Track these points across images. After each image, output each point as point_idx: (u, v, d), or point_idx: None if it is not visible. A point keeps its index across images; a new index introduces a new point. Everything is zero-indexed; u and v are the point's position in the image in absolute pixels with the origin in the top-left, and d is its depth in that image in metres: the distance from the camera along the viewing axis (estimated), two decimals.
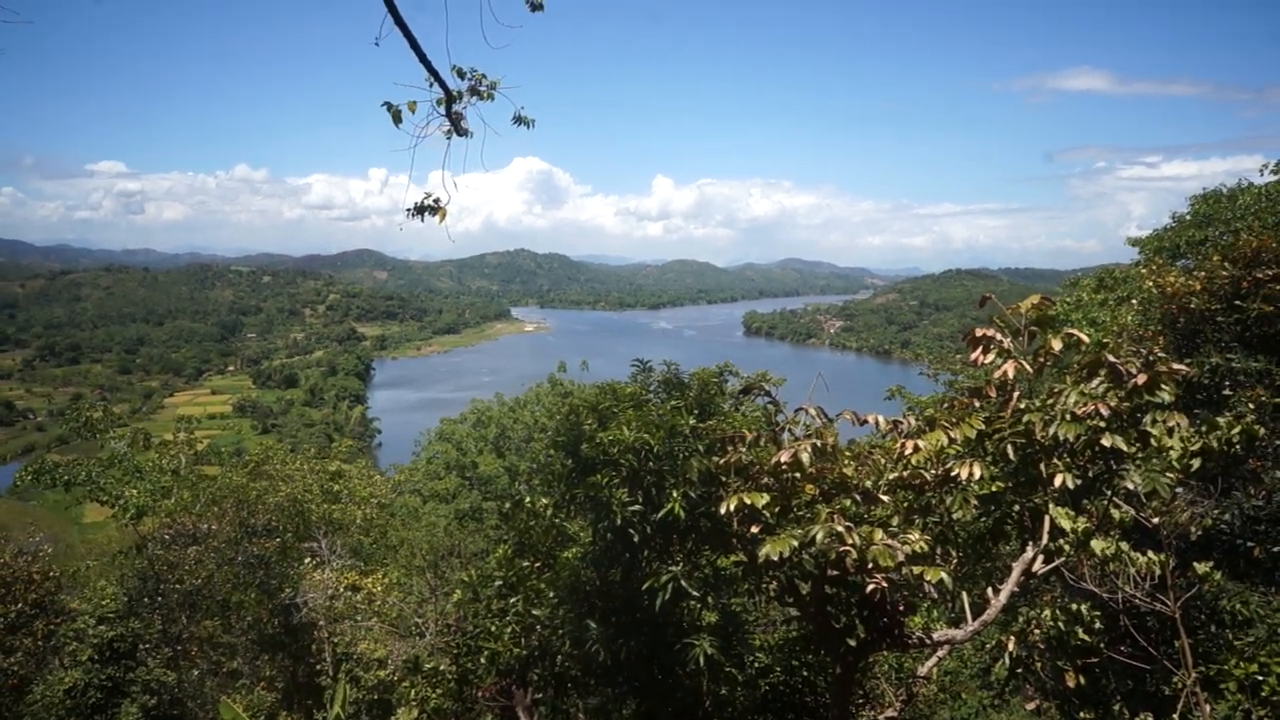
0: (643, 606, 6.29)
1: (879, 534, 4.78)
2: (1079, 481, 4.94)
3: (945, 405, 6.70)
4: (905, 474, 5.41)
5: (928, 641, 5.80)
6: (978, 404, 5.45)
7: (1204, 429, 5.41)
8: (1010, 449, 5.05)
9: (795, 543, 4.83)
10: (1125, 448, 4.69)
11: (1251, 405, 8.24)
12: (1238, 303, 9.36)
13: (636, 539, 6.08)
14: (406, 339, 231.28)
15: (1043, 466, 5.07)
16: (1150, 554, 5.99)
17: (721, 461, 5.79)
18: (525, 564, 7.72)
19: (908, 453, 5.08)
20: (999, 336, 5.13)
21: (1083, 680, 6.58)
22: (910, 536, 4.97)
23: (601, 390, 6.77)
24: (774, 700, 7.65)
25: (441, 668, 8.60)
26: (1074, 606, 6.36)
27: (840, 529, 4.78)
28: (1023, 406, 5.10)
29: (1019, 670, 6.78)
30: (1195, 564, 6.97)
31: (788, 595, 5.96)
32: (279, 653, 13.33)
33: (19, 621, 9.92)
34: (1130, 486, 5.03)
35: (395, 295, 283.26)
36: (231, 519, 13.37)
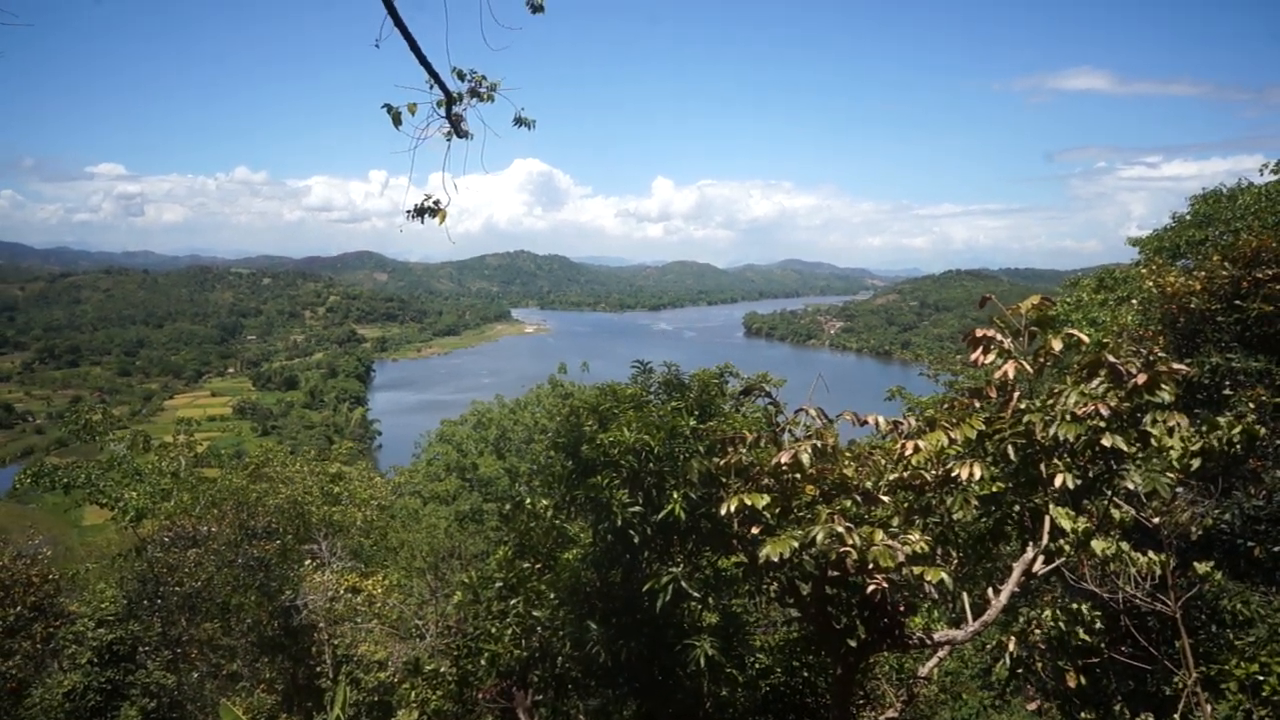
0: (643, 608, 6.29)
1: (879, 535, 4.78)
2: (1079, 482, 4.94)
3: (945, 406, 6.71)
4: (905, 475, 5.41)
5: (928, 642, 5.80)
6: (978, 404, 5.45)
7: (1204, 429, 5.41)
8: (1010, 449, 5.05)
9: (796, 544, 4.83)
10: (1125, 448, 4.69)
11: (1252, 405, 8.24)
12: (1238, 302, 9.36)
13: (637, 540, 6.08)
14: (407, 341, 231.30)
15: (1043, 467, 5.07)
16: (1151, 554, 5.99)
17: (722, 463, 5.79)
18: (526, 565, 7.72)
19: (908, 453, 5.08)
20: (999, 337, 5.13)
21: (1083, 680, 6.58)
22: (911, 537, 4.97)
23: (602, 391, 6.77)
24: (775, 701, 7.64)
25: (442, 669, 8.60)
26: (1074, 607, 6.36)
27: (841, 530, 4.78)
28: (1023, 407, 5.10)
29: (1020, 670, 6.78)
30: (1196, 564, 6.97)
31: (788, 596, 5.96)
32: (279, 655, 13.31)
33: (18, 624, 9.90)
34: (1130, 486, 5.03)
35: (395, 297, 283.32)
36: (231, 521, 13.36)
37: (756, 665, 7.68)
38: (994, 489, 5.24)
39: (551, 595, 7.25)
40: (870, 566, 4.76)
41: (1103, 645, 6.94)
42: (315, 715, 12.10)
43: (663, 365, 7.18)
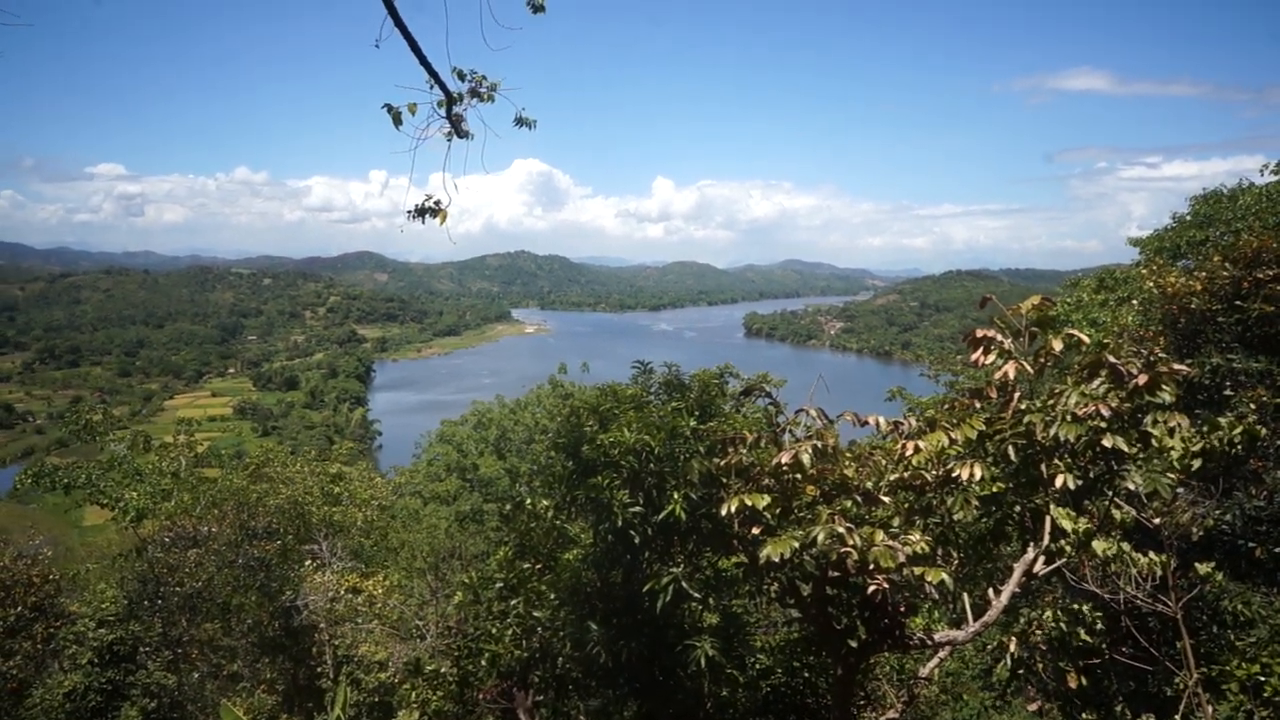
0: (644, 608, 6.29)
1: (880, 535, 4.78)
2: (1080, 482, 4.94)
3: (946, 406, 6.70)
4: (906, 475, 5.41)
5: (929, 643, 5.79)
6: (978, 405, 5.44)
7: (1205, 429, 5.41)
8: (1011, 450, 5.05)
9: (796, 544, 4.83)
10: (1126, 448, 4.69)
11: (1253, 405, 8.23)
12: (1238, 303, 9.35)
13: (637, 541, 6.07)
14: (407, 341, 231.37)
15: (1044, 467, 5.07)
16: (1152, 555, 5.99)
17: (722, 463, 5.79)
18: (526, 566, 7.72)
19: (909, 454, 5.07)
20: (999, 337, 5.13)
21: (1084, 681, 6.58)
22: (911, 537, 4.96)
23: (602, 392, 6.77)
24: (775, 702, 7.64)
25: (442, 670, 8.60)
26: (1075, 607, 6.36)
27: (841, 530, 4.78)
28: (1023, 407, 5.09)
29: (1021, 671, 6.78)
30: (1197, 565, 6.97)
31: (789, 597, 5.96)
32: (279, 655, 13.31)
33: (18, 625, 9.90)
34: (1131, 487, 5.02)
35: (396, 297, 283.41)
36: (232, 521, 13.36)
37: (757, 666, 7.68)
38: (995, 489, 5.24)
39: (552, 596, 7.25)
40: (871, 567, 4.75)
41: (1104, 646, 6.94)
42: (316, 716, 12.10)
43: (663, 365, 7.18)
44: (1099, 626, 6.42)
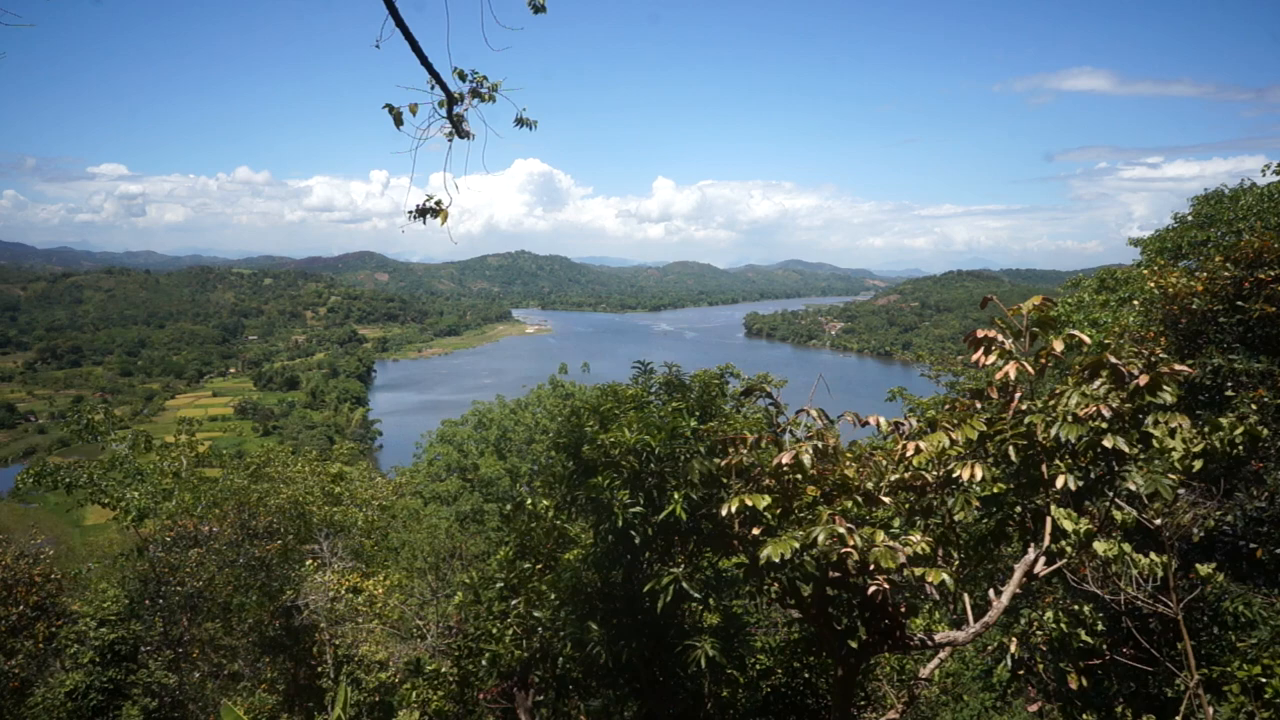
0: (644, 608, 6.29)
1: (881, 536, 4.78)
2: (1081, 483, 4.93)
3: (947, 407, 6.69)
4: (907, 475, 5.40)
5: (929, 643, 5.79)
6: (979, 405, 5.44)
7: (1206, 430, 5.40)
8: (1012, 450, 5.04)
9: (797, 544, 4.82)
10: (1127, 449, 4.68)
11: (1254, 406, 8.22)
12: (1240, 303, 9.34)
13: (638, 541, 6.08)
14: (408, 341, 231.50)
15: (1044, 468, 5.06)
16: (1152, 555, 5.98)
17: (723, 463, 5.79)
18: (527, 566, 7.72)
19: (909, 454, 5.07)
20: (1000, 338, 5.12)
21: (1085, 682, 6.57)
22: (912, 538, 4.96)
23: (603, 392, 6.77)
24: (775, 702, 7.64)
25: (443, 670, 8.60)
26: (1076, 608, 6.36)
27: (842, 531, 4.78)
28: (1024, 408, 5.09)
29: (1021, 672, 6.78)
30: (1198, 565, 6.95)
31: (789, 597, 5.96)
32: (280, 655, 13.31)
33: (20, 624, 9.91)
34: (1132, 488, 5.02)
35: (396, 297, 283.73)
36: (233, 521, 13.37)
37: (757, 666, 7.68)
38: (995, 490, 5.24)
39: (552, 596, 7.25)
40: (871, 567, 4.75)
41: (1104, 647, 6.93)
42: (316, 715, 12.11)
43: (664, 366, 7.18)
44: (1100, 627, 6.42)
